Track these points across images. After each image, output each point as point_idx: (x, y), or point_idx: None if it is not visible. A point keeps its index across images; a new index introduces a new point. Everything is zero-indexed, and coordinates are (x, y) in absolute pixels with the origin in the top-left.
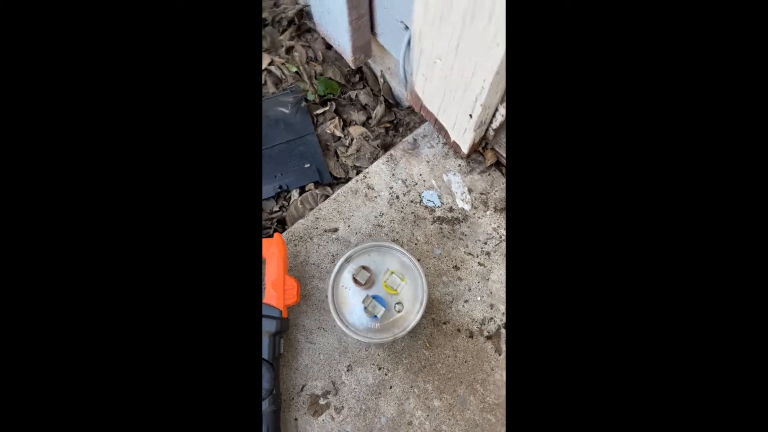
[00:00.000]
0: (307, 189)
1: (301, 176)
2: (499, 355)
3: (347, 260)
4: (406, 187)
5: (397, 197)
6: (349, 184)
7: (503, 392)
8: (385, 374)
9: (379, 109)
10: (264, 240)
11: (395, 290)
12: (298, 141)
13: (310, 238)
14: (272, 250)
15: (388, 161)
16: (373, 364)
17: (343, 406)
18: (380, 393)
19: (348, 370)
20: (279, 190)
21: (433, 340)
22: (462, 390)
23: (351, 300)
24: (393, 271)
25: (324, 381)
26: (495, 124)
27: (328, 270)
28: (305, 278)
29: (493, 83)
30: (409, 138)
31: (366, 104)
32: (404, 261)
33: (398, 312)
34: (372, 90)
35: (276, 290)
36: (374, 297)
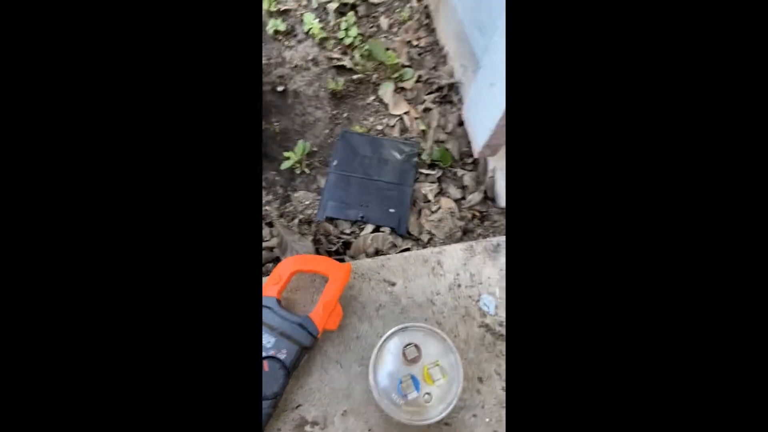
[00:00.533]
0: (381, 230)
1: (383, 216)
2: None
3: (404, 329)
4: (472, 281)
5: (459, 286)
6: (423, 251)
7: None
8: None
9: (476, 196)
10: (335, 261)
11: (432, 381)
12: (394, 186)
13: (369, 280)
14: (338, 274)
15: (466, 250)
16: (366, 423)
17: None
18: None
19: (343, 415)
20: (359, 218)
21: None
22: None
23: (388, 364)
24: (439, 363)
25: (318, 411)
26: None
27: (369, 315)
28: (348, 311)
29: None
30: (494, 241)
31: (466, 186)
32: (452, 360)
33: (425, 402)
34: (478, 177)
35: (324, 312)
36: (412, 378)
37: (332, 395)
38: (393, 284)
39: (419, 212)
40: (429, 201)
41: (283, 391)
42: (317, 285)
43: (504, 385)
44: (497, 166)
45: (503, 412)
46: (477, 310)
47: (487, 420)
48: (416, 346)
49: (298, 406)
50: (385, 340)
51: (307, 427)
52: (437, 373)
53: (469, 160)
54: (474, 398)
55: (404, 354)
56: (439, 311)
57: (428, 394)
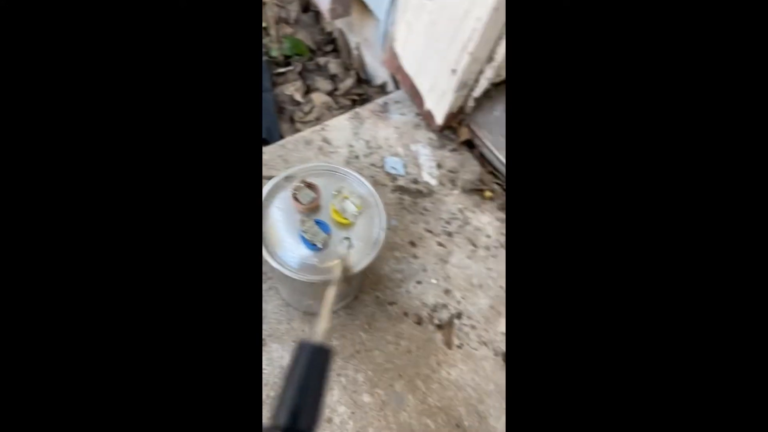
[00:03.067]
0: None
1: None
2: (449, 348)
3: (288, 179)
4: (369, 149)
5: (357, 157)
6: (303, 133)
7: (449, 393)
8: None
9: (349, 81)
10: None
11: (346, 219)
12: None
13: None
14: None
15: (352, 118)
16: (295, 342)
17: None
18: None
19: (261, 345)
20: None
21: (374, 321)
22: (400, 385)
23: (283, 230)
24: (347, 196)
25: None
26: (477, 92)
27: None
28: None
29: (489, 23)
30: (380, 100)
31: (335, 74)
32: (362, 192)
33: (348, 249)
34: (344, 62)
35: None
36: (317, 222)
37: None
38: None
39: (291, 118)
40: (299, 102)
41: None
42: None
43: (439, 240)
44: (359, 41)
45: (447, 268)
46: (385, 175)
47: (434, 281)
48: (309, 184)
49: None
50: (264, 204)
51: None
52: (350, 207)
53: (328, 48)
54: (412, 265)
55: (297, 200)
56: None
57: (347, 238)
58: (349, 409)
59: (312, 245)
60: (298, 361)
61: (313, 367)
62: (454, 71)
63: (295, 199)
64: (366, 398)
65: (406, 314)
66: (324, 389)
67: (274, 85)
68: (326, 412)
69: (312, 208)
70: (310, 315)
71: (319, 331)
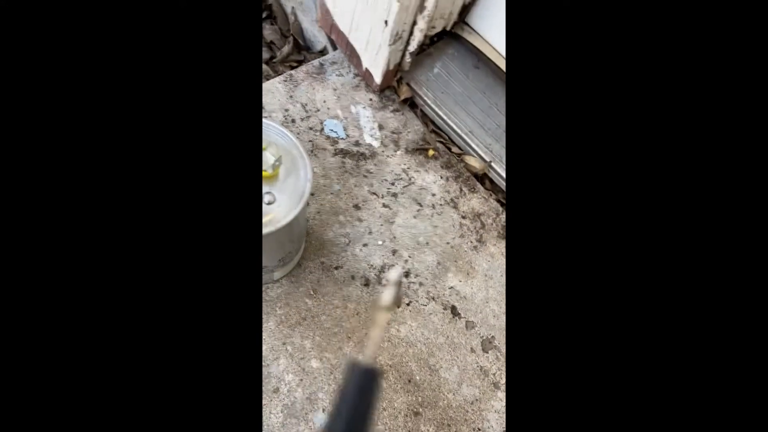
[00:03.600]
0: None
1: None
2: (398, 307)
3: None
4: (306, 112)
5: (293, 121)
6: None
7: (399, 351)
8: None
9: (287, 48)
10: None
11: (265, 172)
12: None
13: None
14: None
15: (286, 81)
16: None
17: None
18: None
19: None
20: None
21: (319, 287)
22: (349, 348)
23: None
24: (264, 146)
25: None
26: (412, 46)
27: None
28: None
29: None
30: (316, 62)
31: (272, 41)
32: (282, 144)
33: (268, 204)
34: (280, 28)
35: None
36: None
37: None
38: None
39: None
40: None
41: None
42: None
43: (384, 202)
44: (295, 5)
45: (394, 228)
46: (325, 138)
47: (380, 243)
48: None
49: None
50: None
51: None
52: (268, 158)
53: (264, 13)
54: (357, 228)
55: None
56: None
57: (269, 193)
58: (297, 376)
59: None
60: (350, 383)
61: (364, 389)
62: (386, 22)
63: None
64: (314, 364)
65: (353, 277)
66: (374, 411)
67: None
68: (273, 383)
69: None
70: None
71: (369, 353)
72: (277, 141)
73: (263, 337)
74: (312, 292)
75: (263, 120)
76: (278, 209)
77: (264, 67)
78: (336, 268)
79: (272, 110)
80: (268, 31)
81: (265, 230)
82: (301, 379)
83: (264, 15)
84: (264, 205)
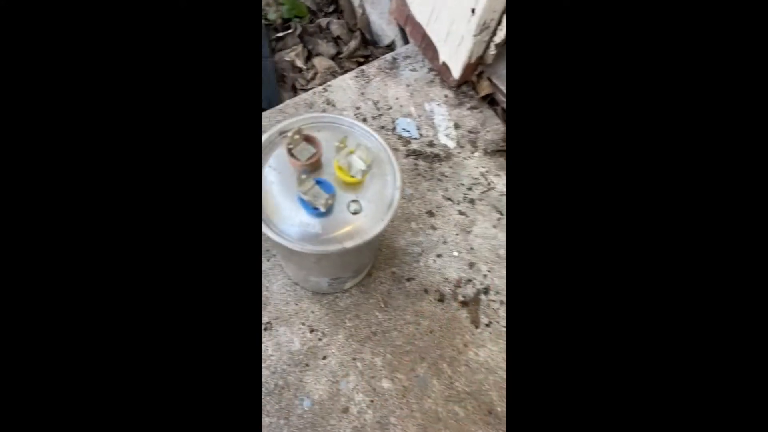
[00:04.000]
0: None
1: None
2: (476, 328)
3: (282, 134)
4: (377, 110)
5: (365, 119)
6: (304, 95)
7: (478, 377)
8: (319, 339)
9: (354, 43)
10: None
11: (353, 177)
12: None
13: None
14: None
15: (358, 77)
16: (304, 324)
17: None
18: (308, 365)
19: (266, 329)
20: None
21: (390, 300)
22: (423, 369)
23: (280, 194)
24: (353, 149)
25: None
26: (498, 36)
27: None
28: None
29: None
30: (388, 56)
31: (338, 36)
32: (370, 146)
33: (353, 213)
34: (348, 23)
35: None
36: (318, 182)
37: None
38: None
39: (293, 86)
40: (300, 68)
41: None
42: None
43: (459, 208)
44: (364, 0)
45: (471, 238)
46: (397, 138)
47: (456, 254)
48: (307, 137)
49: None
50: None
51: None
52: (357, 162)
53: (329, 8)
54: (430, 237)
55: (293, 156)
56: None
57: (355, 201)
58: (368, 396)
59: (313, 209)
60: None
61: None
62: (473, 10)
63: (291, 155)
64: (386, 384)
65: (426, 291)
66: None
67: (273, 51)
68: (342, 401)
69: (311, 166)
70: (320, 295)
71: None
72: (365, 143)
73: (332, 351)
74: (383, 305)
75: (351, 120)
76: (364, 219)
77: (330, 62)
78: (408, 279)
79: (343, 108)
80: (335, 26)
81: (350, 244)
82: (372, 401)
83: (331, 9)
84: (349, 215)
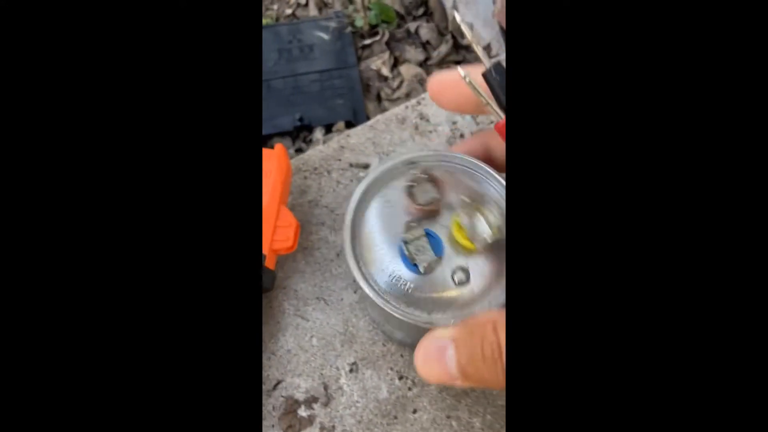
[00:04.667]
0: (334, 129)
1: (330, 112)
2: None
3: (408, 165)
4: (477, 124)
5: (462, 136)
6: (396, 109)
7: None
8: (409, 389)
9: (444, 48)
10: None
11: (471, 244)
12: (334, 73)
13: (328, 172)
14: (268, 165)
15: None
16: (392, 370)
17: (334, 427)
18: (396, 417)
19: (352, 371)
20: (299, 123)
21: None
22: None
23: (380, 233)
24: (484, 212)
25: (312, 381)
26: None
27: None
28: (310, 224)
29: None
30: (494, 60)
31: (427, 41)
32: (498, 199)
33: (457, 284)
34: (438, 26)
35: (263, 224)
36: (428, 234)
37: (325, 349)
38: (365, 166)
39: (378, 95)
40: (386, 77)
41: None
42: None
43: None
44: (457, 1)
45: None
46: None
47: None
48: (432, 179)
49: (277, 384)
50: (360, 202)
51: (302, 411)
52: (483, 226)
53: (418, 12)
54: None
55: (410, 196)
56: None
57: (462, 270)
58: None
59: (412, 265)
60: None
61: None
62: None
63: (410, 194)
64: None
65: None
66: None
67: (359, 60)
68: None
69: (427, 213)
70: (408, 346)
71: None
72: (495, 196)
73: (424, 404)
74: None
75: (490, 170)
76: (466, 292)
77: (418, 69)
78: None
79: (438, 123)
80: (425, 30)
81: (438, 317)
82: None
83: (420, 12)
84: (450, 281)
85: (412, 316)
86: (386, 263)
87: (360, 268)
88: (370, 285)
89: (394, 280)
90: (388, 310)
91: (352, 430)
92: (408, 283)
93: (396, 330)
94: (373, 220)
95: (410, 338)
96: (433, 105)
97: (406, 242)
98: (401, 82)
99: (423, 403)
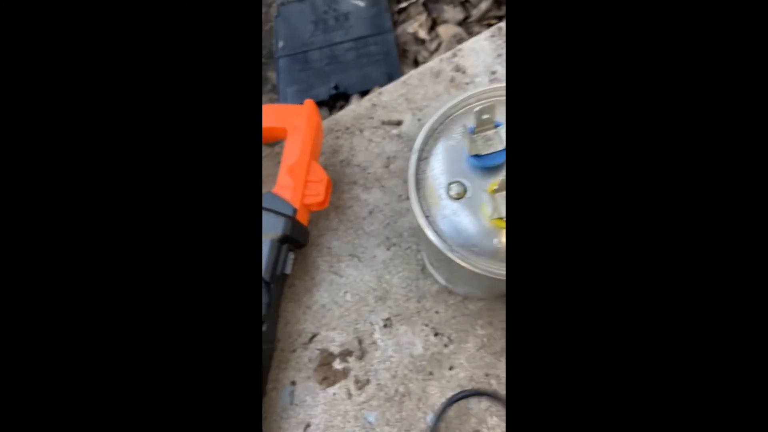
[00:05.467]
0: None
1: (367, 79)
2: None
3: (473, 103)
4: None
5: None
6: (431, 63)
7: None
8: (445, 345)
9: (485, 4)
10: (289, 107)
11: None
12: (369, 39)
13: (360, 131)
14: (298, 122)
15: (494, 36)
16: (427, 326)
17: (369, 380)
18: (432, 373)
19: (386, 326)
20: (334, 91)
21: None
22: None
23: (441, 174)
24: None
25: (346, 335)
26: None
27: (377, 176)
28: (342, 183)
29: None
30: None
31: None
32: None
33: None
34: None
35: (294, 179)
36: (497, 126)
37: (359, 304)
38: (398, 123)
39: (415, 60)
40: (423, 40)
41: (274, 313)
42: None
43: None
44: None
45: None
46: None
47: None
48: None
49: (312, 338)
50: (434, 130)
51: (337, 364)
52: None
53: None
54: None
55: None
56: None
57: None
58: (503, 421)
59: (474, 158)
60: None
61: None
62: None
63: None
64: None
65: None
66: None
67: (396, 24)
68: (472, 423)
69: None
70: (446, 293)
71: None
72: None
73: (461, 361)
74: None
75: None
76: None
77: (457, 29)
78: None
79: (476, 74)
80: None
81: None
82: None
83: None
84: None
85: (483, 266)
86: (453, 217)
87: (420, 204)
88: (435, 232)
89: (466, 231)
90: (460, 262)
91: (387, 384)
92: (471, 233)
93: (466, 285)
94: (437, 164)
95: (480, 291)
96: (470, 55)
97: (473, 133)
98: (439, 44)
99: (460, 360)
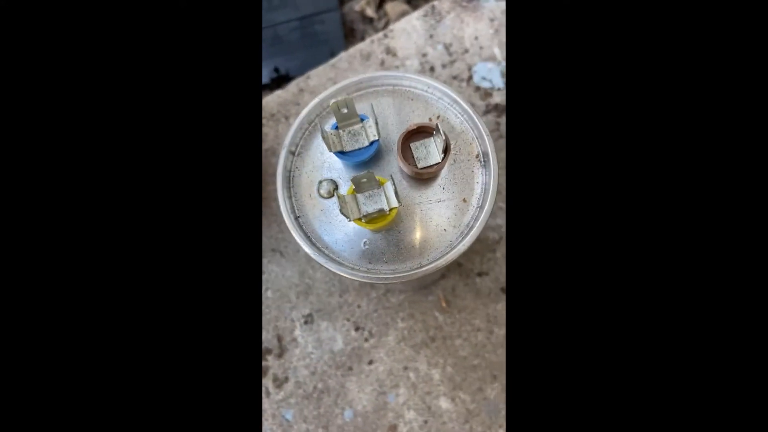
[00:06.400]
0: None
1: (309, 61)
2: None
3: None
4: (450, 55)
5: (432, 69)
6: (361, 45)
7: None
8: (365, 340)
9: None
10: None
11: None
12: (313, 19)
13: (285, 118)
14: None
15: (426, 16)
16: (348, 320)
17: (288, 378)
18: (351, 368)
19: (306, 323)
20: (275, 75)
21: (455, 299)
22: (494, 391)
23: (314, 186)
24: (437, 117)
25: (266, 333)
26: None
27: None
28: (266, 174)
29: None
30: None
31: None
32: (457, 124)
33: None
34: None
35: None
36: (362, 118)
37: (280, 301)
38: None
39: (362, 40)
40: (371, 19)
41: None
42: None
43: None
44: None
45: None
46: (473, 90)
47: None
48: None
49: None
50: (299, 131)
51: None
52: (431, 148)
53: None
54: None
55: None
56: None
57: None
58: (421, 416)
59: (340, 153)
60: None
61: None
62: None
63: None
64: (444, 404)
65: (502, 290)
66: None
67: (342, 2)
68: (389, 417)
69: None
70: (368, 287)
71: None
72: (452, 119)
73: (380, 355)
74: (445, 304)
75: (432, 82)
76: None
77: (405, 7)
78: (479, 274)
79: (406, 57)
80: None
81: (419, 270)
82: (426, 421)
83: None
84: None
85: (349, 268)
86: (341, 227)
87: (297, 228)
88: (311, 245)
89: (359, 244)
90: (326, 264)
91: (306, 382)
92: (340, 234)
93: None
94: (310, 161)
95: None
96: (402, 36)
97: (336, 128)
98: (387, 22)
99: (380, 354)
